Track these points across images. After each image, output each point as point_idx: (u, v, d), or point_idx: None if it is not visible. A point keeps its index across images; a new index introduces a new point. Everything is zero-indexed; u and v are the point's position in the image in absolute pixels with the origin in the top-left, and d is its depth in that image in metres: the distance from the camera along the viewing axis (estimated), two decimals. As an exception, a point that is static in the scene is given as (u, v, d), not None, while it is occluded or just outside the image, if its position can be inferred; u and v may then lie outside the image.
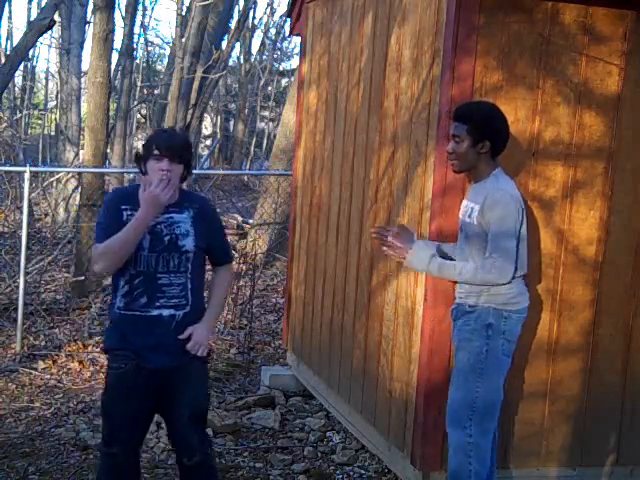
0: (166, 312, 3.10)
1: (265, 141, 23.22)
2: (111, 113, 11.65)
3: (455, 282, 3.35)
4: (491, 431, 3.32)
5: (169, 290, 3.11)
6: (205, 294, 3.30)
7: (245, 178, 18.93)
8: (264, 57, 24.07)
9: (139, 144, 23.92)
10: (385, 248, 3.40)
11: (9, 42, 20.71)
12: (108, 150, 11.73)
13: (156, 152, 3.04)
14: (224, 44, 14.76)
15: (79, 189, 9.65)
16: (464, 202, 3.35)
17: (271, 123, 23.88)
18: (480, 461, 3.26)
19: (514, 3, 3.48)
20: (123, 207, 3.11)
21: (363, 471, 4.31)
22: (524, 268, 3.25)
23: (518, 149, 3.55)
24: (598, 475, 3.83)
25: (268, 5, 34.72)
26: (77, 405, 5.25)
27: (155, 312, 3.10)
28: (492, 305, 3.23)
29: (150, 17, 38.97)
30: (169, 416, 3.23)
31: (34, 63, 22.07)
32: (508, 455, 3.72)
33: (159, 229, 3.10)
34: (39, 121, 22.92)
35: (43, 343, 6.44)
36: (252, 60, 23.71)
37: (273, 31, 23.86)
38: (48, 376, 5.77)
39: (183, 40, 10.43)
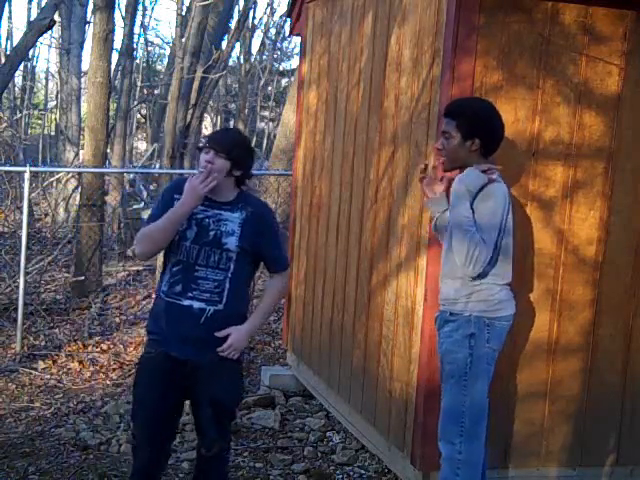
0: (197, 304, 3.11)
1: (265, 141, 23.20)
2: (111, 113, 11.65)
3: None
4: (481, 442, 3.21)
5: (204, 283, 3.12)
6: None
7: (245, 178, 18.89)
8: (264, 57, 24.05)
9: (139, 144, 23.94)
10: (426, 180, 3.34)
11: (9, 42, 20.70)
12: (108, 150, 11.73)
13: (204, 144, 3.11)
14: (224, 44, 14.75)
15: (79, 189, 9.66)
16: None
17: (271, 123, 23.87)
18: (467, 478, 3.17)
19: (514, 3, 3.48)
20: (176, 196, 3.14)
21: (363, 471, 4.31)
22: (508, 277, 3.18)
23: (518, 149, 3.55)
24: (598, 475, 3.83)
25: (268, 5, 34.70)
26: (77, 405, 5.25)
27: (186, 302, 3.11)
28: (474, 313, 3.13)
29: (150, 17, 38.94)
30: (195, 409, 3.27)
31: (34, 63, 22.06)
32: (508, 455, 3.72)
33: (207, 223, 3.13)
34: (39, 121, 22.91)
35: (43, 343, 6.44)
36: (252, 60, 23.69)
37: (273, 31, 23.85)
38: (48, 376, 5.78)
39: (183, 40, 10.42)
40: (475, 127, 3.15)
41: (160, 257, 8.44)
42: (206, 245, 3.12)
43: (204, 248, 3.12)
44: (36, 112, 22.89)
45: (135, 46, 18.31)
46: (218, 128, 22.17)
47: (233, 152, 3.12)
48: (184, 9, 13.94)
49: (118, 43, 16.41)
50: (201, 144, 3.14)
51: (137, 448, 3.32)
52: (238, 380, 3.34)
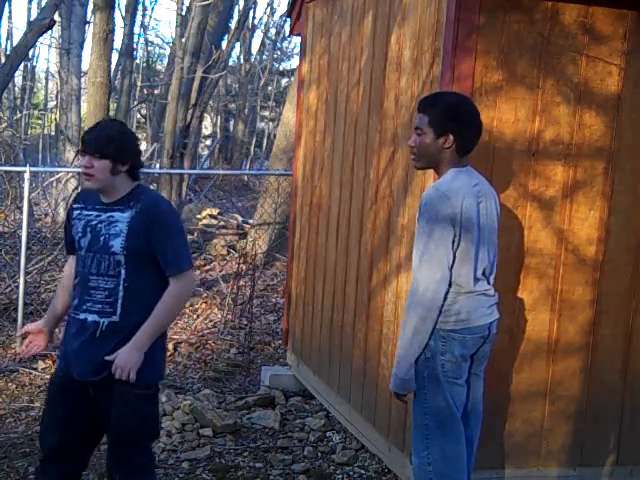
0: (90, 317, 2.91)
1: (265, 141, 23.22)
2: (111, 113, 11.67)
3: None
4: (457, 456, 3.00)
5: (95, 294, 2.91)
6: None
7: (245, 178, 18.94)
8: (264, 57, 24.07)
9: (139, 144, 23.95)
10: None
11: (9, 42, 20.72)
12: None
13: (81, 147, 2.93)
14: (224, 44, 14.75)
15: (79, 189, 9.65)
16: None
17: (271, 123, 23.88)
18: None
19: (514, 3, 3.48)
20: (75, 206, 3.05)
21: (363, 471, 4.31)
22: (470, 285, 2.92)
23: (518, 149, 3.55)
24: (598, 475, 3.83)
25: (268, 5, 34.72)
26: (77, 405, 5.25)
27: (82, 315, 2.94)
28: None
29: (150, 17, 39.00)
30: (102, 432, 3.06)
31: (34, 63, 22.08)
32: (508, 455, 3.72)
33: (99, 228, 2.94)
34: (39, 121, 22.93)
35: (43, 343, 6.44)
36: (252, 60, 23.71)
37: (273, 31, 23.89)
38: (48, 376, 5.77)
39: (183, 40, 10.42)
40: (449, 123, 2.93)
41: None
42: (97, 252, 2.92)
43: (95, 255, 2.93)
44: (36, 112, 22.90)
45: (135, 46, 18.34)
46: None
47: (108, 148, 2.88)
48: (184, 9, 13.95)
49: (118, 43, 16.45)
50: (82, 147, 2.94)
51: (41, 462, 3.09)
52: (138, 405, 2.96)
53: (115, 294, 2.91)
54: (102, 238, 2.93)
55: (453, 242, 2.87)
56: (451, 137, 2.93)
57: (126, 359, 2.86)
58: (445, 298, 2.90)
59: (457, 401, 3.00)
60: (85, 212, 3.00)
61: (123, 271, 2.91)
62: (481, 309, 2.98)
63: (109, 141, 2.90)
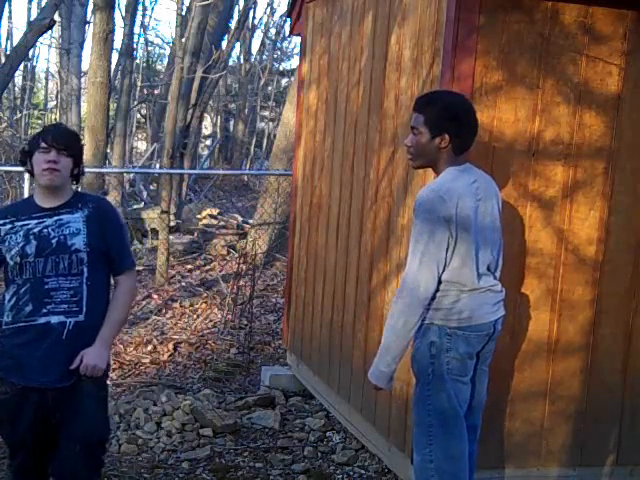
0: (55, 319, 2.86)
1: (265, 141, 23.22)
2: (111, 113, 11.66)
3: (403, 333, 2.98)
4: (459, 454, 3.02)
5: (57, 295, 2.87)
6: None
7: (245, 178, 18.94)
8: (264, 57, 24.07)
9: (139, 144, 23.95)
10: None
11: (9, 42, 20.71)
12: (108, 150, 11.74)
13: (43, 144, 2.88)
14: (224, 44, 14.76)
15: (79, 189, 9.65)
16: None
17: (271, 123, 23.88)
18: None
19: (514, 3, 3.48)
20: (0, 222, 2.94)
21: (363, 471, 4.31)
22: (473, 283, 2.93)
23: (518, 149, 3.55)
24: (598, 475, 3.83)
25: (268, 5, 34.73)
26: (77, 405, 5.24)
27: (42, 320, 2.86)
28: (435, 321, 2.95)
29: (150, 17, 39.00)
30: (60, 444, 2.94)
31: (34, 63, 22.07)
32: (508, 455, 3.72)
33: (46, 232, 2.90)
34: (39, 121, 22.91)
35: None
36: (252, 60, 23.71)
37: (273, 31, 23.89)
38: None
39: (183, 40, 10.42)
40: (444, 122, 2.92)
41: (161, 256, 8.47)
42: (52, 254, 2.88)
43: (50, 257, 2.88)
44: (36, 112, 22.89)
45: (135, 46, 18.33)
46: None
47: (75, 148, 2.94)
48: (184, 9, 13.93)
49: (118, 43, 16.45)
50: (42, 144, 2.88)
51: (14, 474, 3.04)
52: (102, 405, 3.03)
53: (80, 292, 2.91)
54: (55, 240, 2.90)
55: (449, 243, 2.87)
56: (447, 137, 2.92)
57: (96, 357, 2.88)
58: (435, 297, 2.93)
59: (460, 399, 3.01)
60: (19, 223, 2.93)
61: (86, 269, 2.92)
62: (485, 307, 2.99)
63: (77, 141, 2.99)
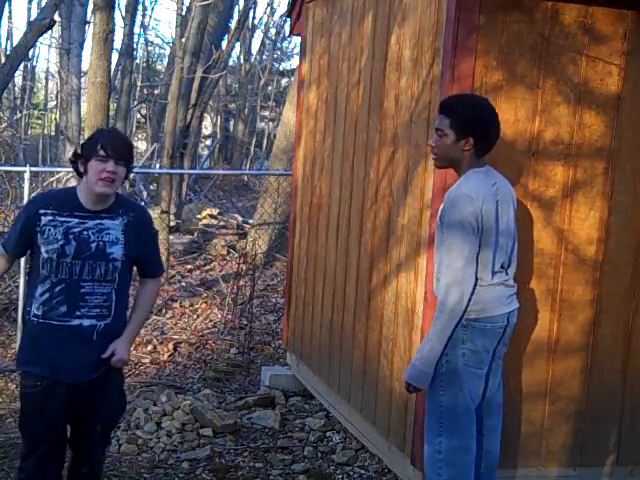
0: (87, 322, 2.97)
1: (265, 141, 23.21)
2: (111, 113, 11.66)
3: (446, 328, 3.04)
4: (467, 448, 3.12)
5: (92, 299, 2.96)
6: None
7: (245, 178, 18.93)
8: (264, 57, 24.06)
9: (139, 144, 23.94)
10: None
11: (9, 42, 20.70)
12: (108, 150, 11.70)
13: (102, 153, 2.89)
14: (224, 44, 14.76)
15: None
16: None
17: (271, 123, 23.88)
18: (450, 478, 3.11)
19: (514, 3, 3.48)
20: (41, 211, 2.96)
21: (363, 471, 4.31)
22: (487, 278, 3.06)
23: (518, 149, 3.55)
24: (598, 475, 3.83)
25: (268, 5, 34.74)
26: (77, 405, 5.24)
27: (75, 322, 2.96)
28: None
29: (150, 17, 39.01)
30: (83, 427, 3.12)
31: (34, 63, 22.06)
32: (508, 455, 3.71)
33: (86, 235, 2.95)
34: (39, 121, 22.91)
35: (43, 343, 6.44)
36: (252, 60, 23.71)
37: (273, 31, 23.88)
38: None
39: (183, 40, 10.42)
40: (470, 126, 3.05)
41: (161, 256, 8.47)
42: (89, 258, 2.94)
43: (88, 262, 2.94)
44: (36, 112, 22.89)
45: (135, 46, 18.33)
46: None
47: (130, 158, 2.98)
48: (184, 9, 13.94)
49: (118, 43, 16.45)
50: (101, 152, 2.89)
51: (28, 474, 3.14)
52: (123, 394, 3.27)
53: (110, 298, 3.02)
54: (94, 245, 2.96)
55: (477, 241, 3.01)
56: (471, 139, 3.06)
57: (124, 352, 3.06)
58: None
59: (473, 393, 3.09)
60: (60, 218, 2.95)
61: (117, 276, 3.02)
62: (500, 299, 3.11)
63: (132, 150, 3.04)
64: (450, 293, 2.98)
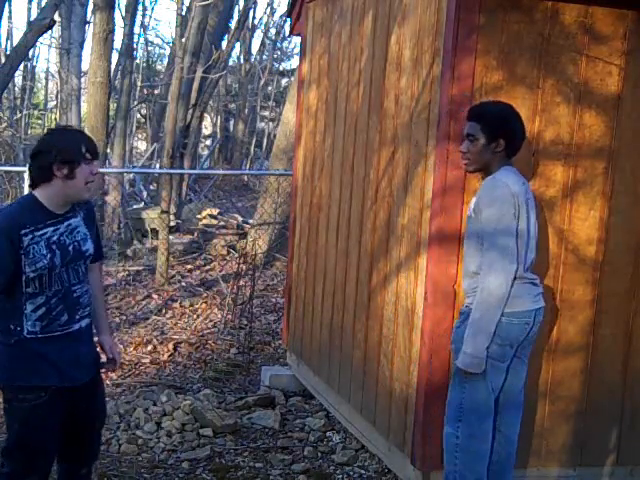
0: (84, 322, 3.01)
1: (265, 141, 23.20)
2: (111, 113, 11.65)
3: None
4: (483, 436, 3.26)
5: (82, 300, 2.99)
6: None
7: (245, 178, 18.93)
8: (264, 57, 24.06)
9: (139, 144, 23.93)
10: None
11: (9, 42, 20.69)
12: (108, 150, 11.73)
13: (88, 155, 2.85)
14: (224, 44, 14.75)
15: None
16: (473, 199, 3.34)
17: (271, 123, 23.87)
18: (466, 464, 3.24)
19: (514, 3, 3.48)
20: (23, 232, 2.82)
21: (363, 471, 4.31)
22: (520, 270, 3.17)
23: (518, 149, 3.55)
24: (598, 475, 3.83)
25: (268, 5, 34.75)
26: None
27: (76, 326, 2.97)
28: None
29: (150, 17, 38.98)
30: (81, 429, 3.09)
31: (34, 63, 22.03)
32: (508, 455, 3.72)
33: (63, 240, 2.90)
34: (39, 121, 22.91)
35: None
36: (252, 60, 23.70)
37: (273, 31, 23.87)
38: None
39: (183, 40, 10.41)
40: (499, 129, 3.23)
41: (161, 256, 8.48)
42: (71, 262, 2.92)
43: (70, 266, 2.92)
44: (36, 112, 22.88)
45: (135, 46, 18.31)
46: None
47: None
48: (184, 9, 13.94)
49: (118, 43, 16.44)
50: (87, 156, 2.86)
51: None
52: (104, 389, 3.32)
53: (89, 293, 3.06)
54: (71, 247, 2.92)
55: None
56: (502, 141, 3.23)
57: (118, 355, 3.20)
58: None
59: (494, 384, 3.22)
60: (38, 233, 2.85)
61: (86, 270, 3.06)
62: (527, 296, 3.22)
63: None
64: (497, 279, 3.09)
